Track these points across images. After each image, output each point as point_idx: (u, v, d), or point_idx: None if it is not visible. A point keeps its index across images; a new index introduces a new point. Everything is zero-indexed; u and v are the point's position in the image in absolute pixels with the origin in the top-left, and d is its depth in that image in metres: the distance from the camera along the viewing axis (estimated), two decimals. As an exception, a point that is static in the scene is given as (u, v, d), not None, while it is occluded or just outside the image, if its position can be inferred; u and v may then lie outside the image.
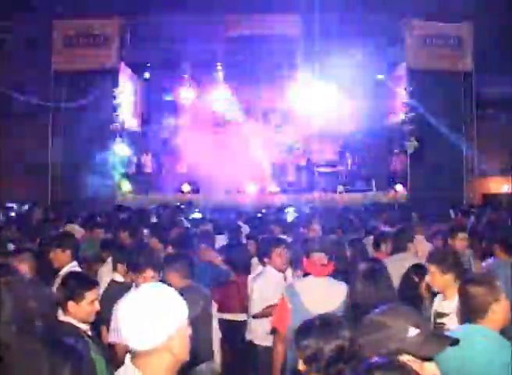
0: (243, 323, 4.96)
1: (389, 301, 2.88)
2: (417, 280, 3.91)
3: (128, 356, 1.83)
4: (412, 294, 3.87)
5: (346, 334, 2.14)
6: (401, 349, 1.82)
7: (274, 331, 4.03)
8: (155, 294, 1.80)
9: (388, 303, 2.83)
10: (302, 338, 2.13)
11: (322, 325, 2.16)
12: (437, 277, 3.46)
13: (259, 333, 4.55)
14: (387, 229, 6.57)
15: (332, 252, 4.07)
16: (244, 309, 5.01)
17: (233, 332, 4.98)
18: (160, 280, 3.71)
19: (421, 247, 5.27)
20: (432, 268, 3.49)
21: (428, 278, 3.59)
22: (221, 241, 6.38)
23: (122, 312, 1.78)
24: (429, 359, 1.87)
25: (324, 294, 3.74)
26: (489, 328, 2.63)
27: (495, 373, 2.48)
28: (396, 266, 4.12)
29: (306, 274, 4.07)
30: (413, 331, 1.85)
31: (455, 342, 1.92)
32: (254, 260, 5.44)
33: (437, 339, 1.90)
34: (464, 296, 2.75)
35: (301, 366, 2.11)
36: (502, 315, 2.66)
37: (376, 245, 5.36)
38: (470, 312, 2.70)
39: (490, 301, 2.63)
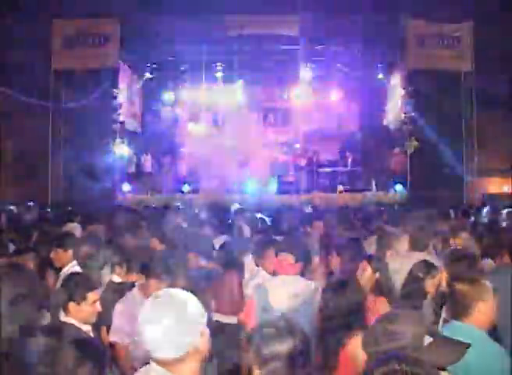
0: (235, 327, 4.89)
1: (355, 312, 2.93)
2: (421, 276, 3.91)
3: (153, 362, 1.83)
4: (414, 291, 3.87)
5: (301, 337, 2.10)
6: (418, 359, 1.77)
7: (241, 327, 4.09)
8: (179, 301, 1.82)
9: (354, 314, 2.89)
10: (260, 345, 2.07)
11: (278, 331, 2.11)
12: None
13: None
14: (389, 228, 6.60)
15: (300, 253, 4.17)
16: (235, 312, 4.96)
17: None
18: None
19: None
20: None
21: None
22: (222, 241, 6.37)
23: (150, 325, 1.77)
24: (443, 368, 1.84)
25: (289, 292, 3.81)
26: (475, 327, 2.63)
27: (480, 371, 2.47)
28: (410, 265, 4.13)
29: (275, 273, 4.18)
30: (428, 339, 1.81)
31: (468, 347, 1.90)
32: (247, 259, 5.43)
33: (453, 347, 1.87)
34: (450, 293, 2.77)
35: (256, 372, 2.05)
36: (487, 315, 2.66)
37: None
38: (455, 310, 2.72)
39: (476, 299, 2.64)
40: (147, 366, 1.86)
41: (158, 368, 1.81)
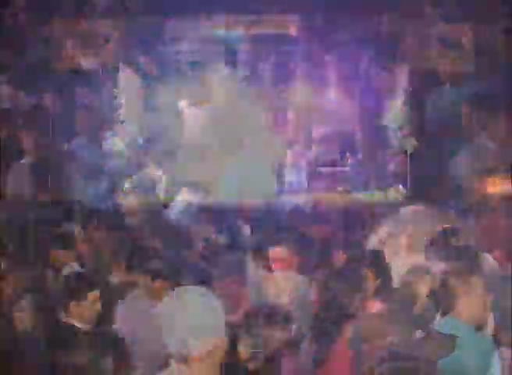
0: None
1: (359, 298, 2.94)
2: (415, 278, 3.92)
3: (176, 364, 1.82)
4: (407, 293, 3.88)
5: (295, 323, 2.13)
6: (412, 355, 1.79)
7: None
8: (199, 298, 1.82)
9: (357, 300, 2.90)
10: (252, 327, 2.09)
11: (274, 314, 2.14)
12: None
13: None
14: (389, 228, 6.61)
15: (296, 247, 4.13)
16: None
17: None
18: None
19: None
20: None
21: None
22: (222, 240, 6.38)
23: (172, 323, 1.77)
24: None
25: (284, 289, 3.81)
26: (461, 320, 2.67)
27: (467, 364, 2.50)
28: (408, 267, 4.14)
29: (271, 269, 4.14)
30: (420, 334, 1.84)
31: (456, 341, 1.92)
32: (247, 258, 5.43)
33: (443, 341, 1.90)
34: (441, 287, 2.83)
35: (245, 354, 2.07)
36: (471, 311, 2.70)
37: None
38: (444, 303, 2.76)
39: (459, 294, 2.68)
40: (168, 367, 1.86)
41: (178, 367, 1.81)
